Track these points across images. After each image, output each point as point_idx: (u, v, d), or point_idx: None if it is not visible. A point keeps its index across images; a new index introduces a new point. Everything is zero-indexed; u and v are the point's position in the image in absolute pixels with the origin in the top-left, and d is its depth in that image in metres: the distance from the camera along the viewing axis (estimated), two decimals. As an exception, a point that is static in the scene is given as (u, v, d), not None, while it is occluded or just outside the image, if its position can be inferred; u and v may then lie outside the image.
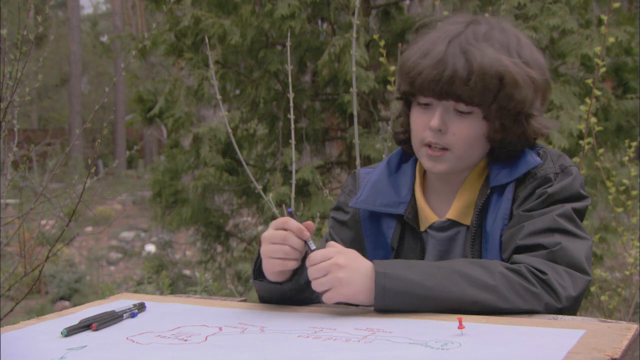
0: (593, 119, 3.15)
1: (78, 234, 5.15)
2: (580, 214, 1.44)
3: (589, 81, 3.26)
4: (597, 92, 3.15)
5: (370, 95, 5.35)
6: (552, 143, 3.92)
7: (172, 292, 4.78)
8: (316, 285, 1.35)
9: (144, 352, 1.19)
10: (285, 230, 1.39)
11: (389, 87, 3.19)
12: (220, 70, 5.48)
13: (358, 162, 2.91)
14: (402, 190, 1.58)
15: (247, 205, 6.31)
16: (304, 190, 5.23)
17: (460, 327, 1.16)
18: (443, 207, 1.55)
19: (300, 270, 1.43)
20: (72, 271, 8.46)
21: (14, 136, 3.10)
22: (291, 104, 2.84)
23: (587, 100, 3.06)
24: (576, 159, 3.11)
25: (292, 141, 2.84)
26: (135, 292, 4.39)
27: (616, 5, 3.25)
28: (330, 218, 1.69)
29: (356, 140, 2.93)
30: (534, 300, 1.31)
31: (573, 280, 1.34)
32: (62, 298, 8.10)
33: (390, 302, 1.32)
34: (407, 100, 1.55)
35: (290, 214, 1.42)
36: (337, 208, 1.68)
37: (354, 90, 2.83)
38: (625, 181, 3.59)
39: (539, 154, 1.49)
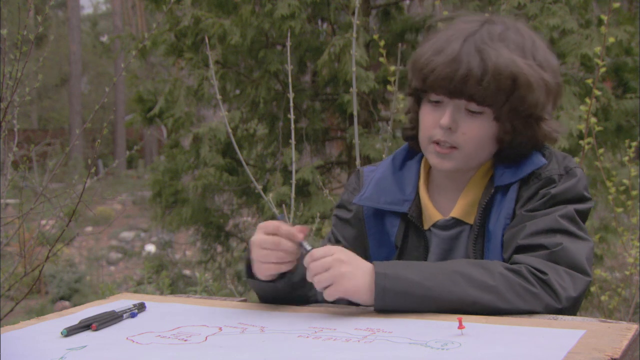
0: (593, 119, 3.14)
1: (78, 234, 5.15)
2: (583, 215, 1.44)
3: (589, 81, 3.26)
4: (597, 92, 3.15)
5: (370, 95, 5.36)
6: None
7: (172, 292, 4.77)
8: (318, 281, 1.34)
9: (144, 352, 1.19)
10: (276, 235, 1.38)
11: (389, 87, 3.19)
12: (220, 70, 5.48)
13: (358, 162, 2.91)
14: (407, 188, 1.57)
15: (247, 205, 6.32)
16: (304, 190, 5.24)
17: (460, 327, 1.16)
18: (447, 205, 1.55)
19: (293, 268, 1.42)
20: (72, 271, 8.45)
21: (14, 136, 3.10)
22: (291, 104, 2.85)
23: (587, 100, 3.05)
24: (576, 159, 3.10)
25: (292, 141, 2.85)
26: (135, 292, 4.39)
27: (616, 5, 3.24)
28: (333, 216, 1.69)
29: (356, 140, 2.93)
30: (533, 300, 1.31)
31: (573, 281, 1.34)
32: (62, 298, 8.09)
33: (390, 302, 1.32)
34: (418, 96, 1.54)
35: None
36: (340, 206, 1.67)
37: (354, 90, 2.83)
38: (625, 181, 3.59)
39: (544, 155, 1.48)
